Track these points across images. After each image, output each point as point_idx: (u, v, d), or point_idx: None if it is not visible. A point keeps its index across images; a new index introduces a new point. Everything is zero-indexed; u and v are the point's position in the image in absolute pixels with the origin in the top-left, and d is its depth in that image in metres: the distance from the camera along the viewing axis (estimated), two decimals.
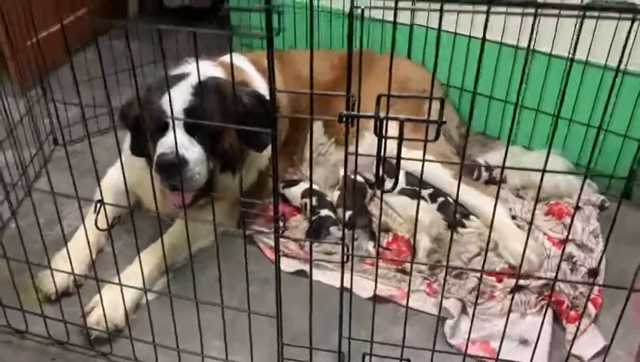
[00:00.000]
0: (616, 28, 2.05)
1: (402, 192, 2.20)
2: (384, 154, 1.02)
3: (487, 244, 1.34)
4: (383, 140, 0.99)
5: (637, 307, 1.43)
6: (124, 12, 4.10)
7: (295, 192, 2.22)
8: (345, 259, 1.16)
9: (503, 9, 0.96)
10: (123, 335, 1.62)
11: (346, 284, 1.67)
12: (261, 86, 2.12)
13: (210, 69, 1.96)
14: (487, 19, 0.95)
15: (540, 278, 1.81)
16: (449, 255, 1.36)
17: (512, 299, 1.57)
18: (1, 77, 2.40)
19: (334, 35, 2.83)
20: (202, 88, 1.79)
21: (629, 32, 0.97)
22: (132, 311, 1.71)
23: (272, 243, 1.98)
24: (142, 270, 1.55)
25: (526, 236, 1.97)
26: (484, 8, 0.91)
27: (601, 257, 1.95)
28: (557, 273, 1.41)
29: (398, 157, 1.01)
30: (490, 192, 2.19)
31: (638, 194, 2.26)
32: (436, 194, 2.18)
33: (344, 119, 1.02)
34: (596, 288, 1.84)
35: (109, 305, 1.63)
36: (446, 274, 1.32)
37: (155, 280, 1.80)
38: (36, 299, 1.68)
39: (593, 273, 1.90)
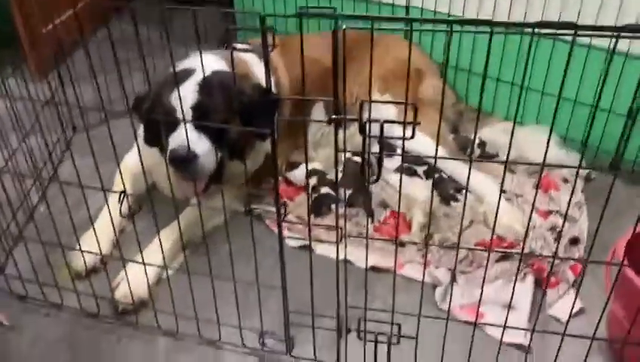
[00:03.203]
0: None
1: (398, 170, 2.35)
2: (369, 151, 1.16)
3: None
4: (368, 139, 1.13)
5: (608, 284, 1.57)
6: None
7: (299, 175, 2.37)
8: (339, 239, 1.32)
9: None
10: (147, 307, 1.82)
11: (348, 257, 1.86)
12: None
13: (214, 62, 2.09)
14: None
15: (542, 256, 1.95)
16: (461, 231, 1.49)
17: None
18: (21, 65, 2.54)
19: None
20: (207, 84, 1.93)
21: None
22: (155, 285, 1.90)
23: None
24: (162, 248, 1.73)
25: (514, 209, 2.16)
26: None
27: (600, 232, 2.09)
28: (556, 251, 1.54)
29: (380, 156, 1.15)
30: (482, 167, 2.34)
31: (624, 167, 2.39)
32: (431, 171, 2.32)
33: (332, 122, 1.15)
34: (576, 256, 2.00)
35: (134, 280, 1.82)
36: (457, 252, 1.48)
37: (174, 256, 1.99)
38: (68, 276, 1.88)
39: (575, 241, 2.05)
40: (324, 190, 2.21)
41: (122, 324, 1.80)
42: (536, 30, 0.97)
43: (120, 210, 1.55)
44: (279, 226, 1.40)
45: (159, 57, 2.42)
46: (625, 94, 2.27)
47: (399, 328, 1.48)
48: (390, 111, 2.39)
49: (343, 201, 2.17)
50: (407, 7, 2.71)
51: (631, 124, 2.28)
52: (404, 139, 1.13)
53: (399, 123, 1.13)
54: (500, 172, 2.41)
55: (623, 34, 0.98)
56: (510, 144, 1.31)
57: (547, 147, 1.25)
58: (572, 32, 0.97)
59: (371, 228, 2.14)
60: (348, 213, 2.15)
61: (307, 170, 1.41)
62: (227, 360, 1.70)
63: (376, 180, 1.30)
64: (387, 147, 2.37)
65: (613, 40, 1.01)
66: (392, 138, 1.14)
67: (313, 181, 2.26)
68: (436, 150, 1.33)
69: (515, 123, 1.35)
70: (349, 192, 2.19)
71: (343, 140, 1.31)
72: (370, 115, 1.13)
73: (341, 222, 2.13)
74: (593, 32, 1.02)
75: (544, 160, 1.33)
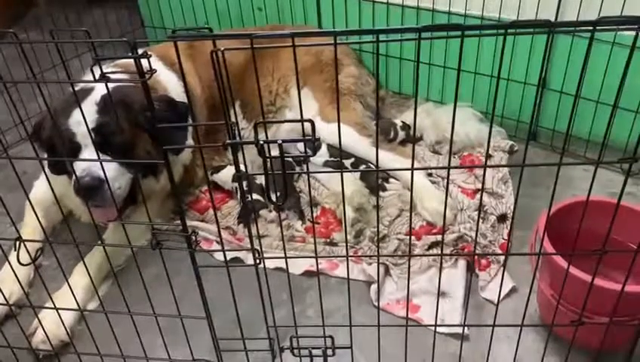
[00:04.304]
0: None
1: (325, 165, 2.30)
2: (272, 172, 1.09)
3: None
4: (268, 161, 1.06)
5: (534, 264, 1.59)
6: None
7: (226, 176, 2.28)
8: (257, 263, 1.26)
9: None
10: (70, 350, 1.70)
11: (279, 265, 1.80)
12: (172, 80, 2.14)
13: (114, 76, 1.95)
14: None
15: (496, 249, 1.96)
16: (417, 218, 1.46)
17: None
18: None
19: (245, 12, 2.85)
20: (107, 102, 1.80)
21: None
22: (76, 324, 1.78)
23: (207, 236, 2.07)
24: (74, 291, 1.61)
25: (440, 193, 2.15)
26: None
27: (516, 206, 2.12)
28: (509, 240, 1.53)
29: (284, 177, 1.09)
30: (407, 152, 2.33)
31: (542, 136, 2.44)
32: (357, 162, 2.28)
33: (229, 147, 1.08)
34: (505, 233, 2.03)
35: (51, 323, 1.69)
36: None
37: (92, 294, 1.86)
38: None
39: (502, 218, 2.07)
40: (254, 196, 2.13)
41: None
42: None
43: (18, 258, 1.42)
44: (192, 256, 1.32)
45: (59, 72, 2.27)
46: (536, 67, 2.30)
47: (332, 340, 1.44)
48: (311, 108, 2.33)
49: (272, 205, 2.11)
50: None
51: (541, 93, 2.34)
52: (304, 156, 1.06)
53: (298, 141, 1.06)
54: (424, 155, 2.44)
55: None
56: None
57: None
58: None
59: (302, 229, 2.08)
60: (277, 217, 2.09)
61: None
62: None
63: (284, 200, 1.23)
64: (309, 143, 2.32)
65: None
66: (295, 156, 1.07)
67: (245, 185, 2.17)
68: (376, 151, 1.26)
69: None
70: (277, 195, 2.12)
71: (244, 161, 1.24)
72: (267, 136, 1.05)
73: (269, 229, 2.09)
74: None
75: (486, 155, 1.30)
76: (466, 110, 2.47)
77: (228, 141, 1.06)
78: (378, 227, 1.51)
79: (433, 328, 1.68)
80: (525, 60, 2.30)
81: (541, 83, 2.32)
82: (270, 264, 1.90)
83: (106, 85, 1.08)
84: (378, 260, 1.78)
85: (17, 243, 1.45)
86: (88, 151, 1.82)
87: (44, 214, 2.10)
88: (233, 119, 2.32)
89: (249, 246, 1.23)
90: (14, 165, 1.39)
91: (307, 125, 1.04)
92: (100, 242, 1.58)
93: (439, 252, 1.94)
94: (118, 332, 1.55)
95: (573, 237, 1.25)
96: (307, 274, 1.93)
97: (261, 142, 1.01)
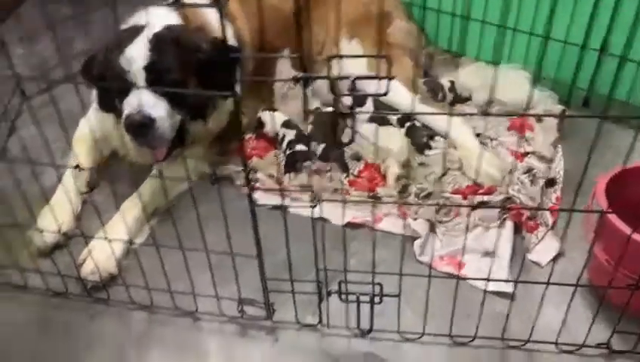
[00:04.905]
0: None
1: (371, 120, 2.26)
2: (339, 114, 1.07)
3: None
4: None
5: (588, 227, 1.55)
6: None
7: (277, 116, 2.22)
8: (314, 205, 1.25)
9: None
10: (117, 281, 1.74)
11: (323, 215, 1.80)
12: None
13: (165, 16, 1.93)
14: None
15: (533, 209, 1.92)
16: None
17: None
18: None
19: None
20: (160, 41, 1.79)
21: None
22: (123, 258, 1.81)
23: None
24: (126, 220, 1.63)
25: (489, 154, 2.11)
26: None
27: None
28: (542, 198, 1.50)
29: (353, 113, 1.06)
30: (456, 112, 2.27)
31: (595, 103, 2.36)
32: (404, 118, 2.24)
33: (300, 81, 1.05)
34: (554, 197, 1.99)
35: (100, 255, 1.73)
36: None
37: (140, 227, 1.89)
38: (29, 256, 1.77)
39: (551, 183, 2.03)
40: (299, 147, 2.11)
41: (93, 301, 1.71)
42: None
43: (78, 186, 1.44)
44: (250, 192, 1.32)
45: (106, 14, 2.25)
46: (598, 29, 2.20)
47: (381, 288, 1.44)
48: (360, 60, 2.28)
49: (317, 156, 2.09)
50: None
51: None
52: (377, 95, 1.04)
53: (372, 78, 1.04)
54: (473, 116, 2.38)
55: None
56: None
57: None
58: None
59: (346, 182, 2.07)
60: (322, 168, 2.07)
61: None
62: (206, 330, 1.64)
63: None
64: (357, 98, 2.28)
65: None
66: (366, 95, 1.05)
67: (290, 135, 2.15)
68: (411, 100, 1.24)
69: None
70: (322, 146, 2.11)
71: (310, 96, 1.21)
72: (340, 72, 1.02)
73: (314, 180, 2.09)
74: None
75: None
76: (517, 72, 2.39)
77: (300, 74, 1.04)
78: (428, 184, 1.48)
79: (478, 285, 1.68)
80: (586, 21, 2.20)
81: (601, 47, 2.22)
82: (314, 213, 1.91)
83: (175, 11, 1.06)
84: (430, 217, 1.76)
85: (75, 170, 1.46)
86: (139, 90, 1.81)
87: (87, 154, 2.12)
88: (280, 69, 2.32)
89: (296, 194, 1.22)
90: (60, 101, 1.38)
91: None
92: (155, 174, 1.58)
93: (485, 212, 1.91)
94: (167, 269, 1.57)
95: (625, 204, 1.22)
96: (349, 226, 1.92)
97: (333, 78, 0.98)
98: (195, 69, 1.87)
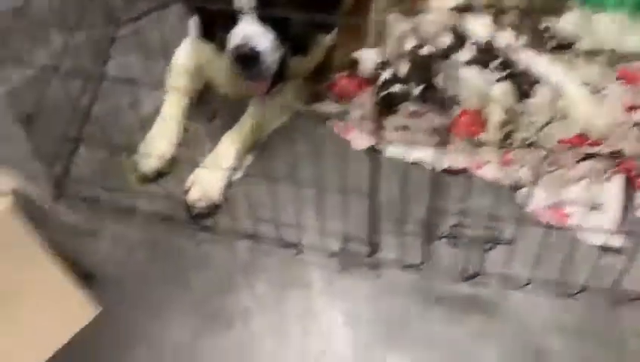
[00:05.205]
0: None
1: (470, 62, 2.18)
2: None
3: None
4: None
5: None
6: None
7: (373, 55, 2.17)
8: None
9: None
10: (221, 210, 1.78)
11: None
12: None
13: None
14: None
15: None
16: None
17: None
18: None
19: None
20: None
21: None
22: (226, 188, 1.84)
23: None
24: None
25: (596, 104, 2.01)
26: None
27: None
28: None
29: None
30: (559, 59, 2.16)
31: None
32: (505, 64, 2.15)
33: None
34: None
35: (205, 183, 1.77)
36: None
37: (241, 158, 1.91)
38: (137, 180, 1.84)
39: None
40: (397, 87, 2.06)
41: (200, 229, 1.76)
42: None
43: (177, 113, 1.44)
44: (376, 129, 1.30)
45: None
46: None
47: (497, 234, 1.43)
48: None
49: (414, 98, 2.05)
50: None
51: None
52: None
53: None
54: (578, 63, 2.26)
55: None
56: None
57: None
58: None
59: (442, 126, 2.02)
60: (419, 110, 2.03)
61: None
62: (309, 263, 1.68)
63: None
64: (459, 38, 2.20)
65: None
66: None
67: (386, 75, 2.10)
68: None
69: None
70: (420, 88, 2.05)
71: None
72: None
73: (412, 122, 2.05)
74: None
75: None
76: (625, 18, 2.24)
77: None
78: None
79: (584, 238, 1.64)
80: None
81: None
82: (409, 156, 1.91)
83: None
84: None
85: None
86: (246, 20, 1.78)
87: (188, 82, 2.12)
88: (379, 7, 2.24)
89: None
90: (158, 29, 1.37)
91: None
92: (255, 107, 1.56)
93: (593, 164, 1.85)
94: (268, 201, 1.59)
95: None
96: (446, 172, 1.88)
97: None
98: (300, 2, 1.82)
